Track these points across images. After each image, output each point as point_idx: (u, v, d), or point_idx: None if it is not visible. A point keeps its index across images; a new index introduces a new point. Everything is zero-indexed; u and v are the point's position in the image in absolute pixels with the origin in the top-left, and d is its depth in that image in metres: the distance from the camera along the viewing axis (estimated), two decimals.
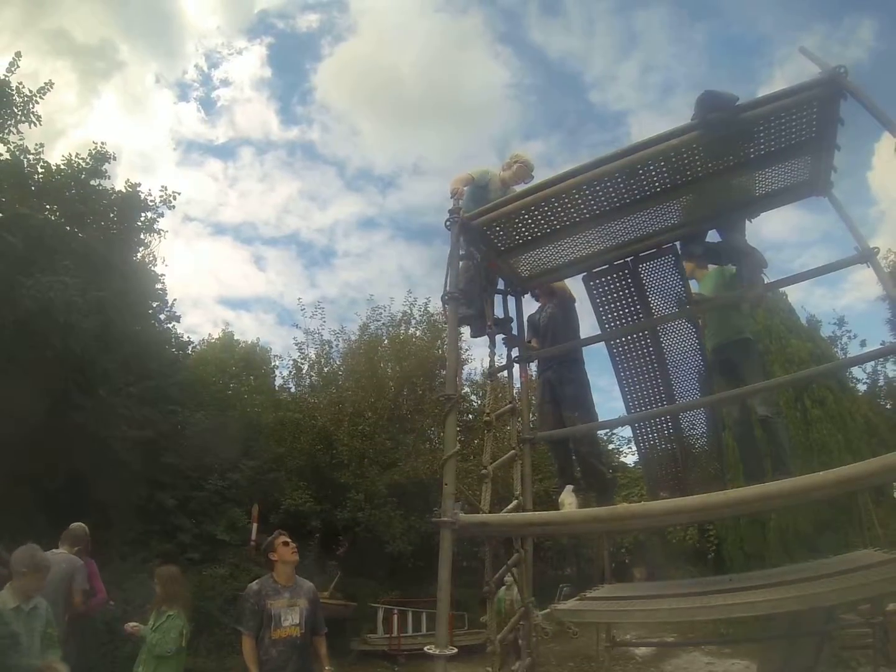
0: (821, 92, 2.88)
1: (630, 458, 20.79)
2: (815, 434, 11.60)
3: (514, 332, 4.27)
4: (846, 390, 13.08)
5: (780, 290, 9.45)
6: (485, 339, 4.27)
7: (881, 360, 15.69)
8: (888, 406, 17.01)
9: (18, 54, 11.37)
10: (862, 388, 16.95)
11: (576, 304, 4.62)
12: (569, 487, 3.75)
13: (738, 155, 3.29)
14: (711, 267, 4.45)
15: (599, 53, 56.76)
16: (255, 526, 13.12)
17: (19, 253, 10.04)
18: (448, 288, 3.23)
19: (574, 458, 4.32)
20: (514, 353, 4.25)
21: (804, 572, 3.13)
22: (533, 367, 4.51)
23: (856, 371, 16.06)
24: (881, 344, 14.25)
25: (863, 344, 17.16)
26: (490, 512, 3.12)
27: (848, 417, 11.98)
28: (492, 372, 3.91)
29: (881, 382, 17.77)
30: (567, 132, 59.93)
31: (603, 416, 4.67)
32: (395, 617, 13.01)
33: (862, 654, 5.25)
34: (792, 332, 12.84)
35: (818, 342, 13.71)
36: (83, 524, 5.14)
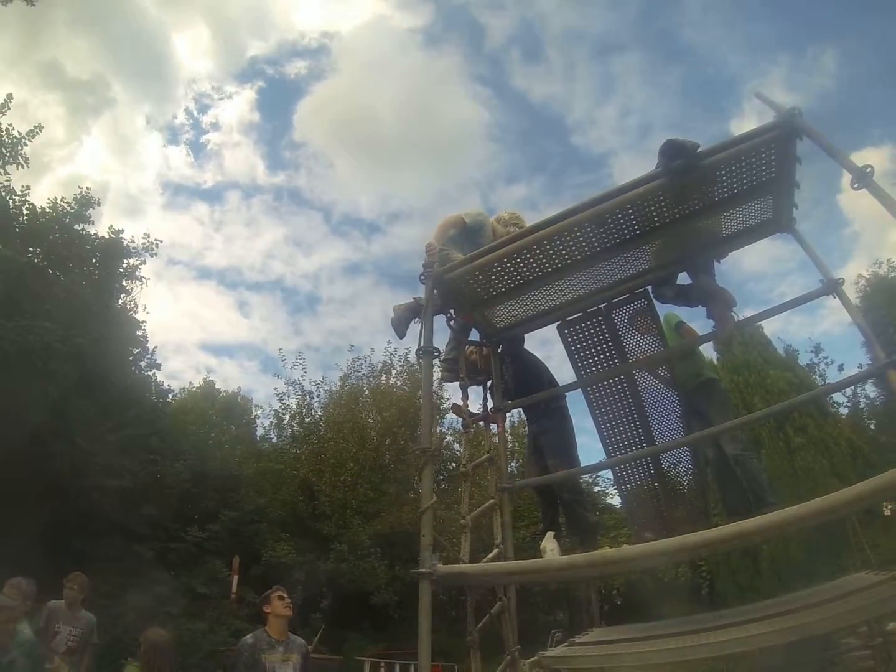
0: (777, 134, 3.01)
1: (616, 499, 20.63)
2: (800, 461, 11.70)
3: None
4: (827, 416, 13.25)
5: (756, 323, 9.64)
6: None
7: (860, 383, 15.95)
8: (872, 427, 17.18)
9: (10, 96, 11.54)
10: (844, 411, 17.18)
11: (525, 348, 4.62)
12: (550, 534, 3.72)
13: (703, 199, 3.42)
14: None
15: (580, 98, 58.98)
16: (235, 578, 12.76)
17: (0, 295, 9.96)
18: (423, 342, 3.24)
19: (558, 504, 4.30)
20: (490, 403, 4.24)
21: (797, 602, 3.11)
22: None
23: (836, 395, 16.30)
24: (858, 367, 14.59)
25: (840, 368, 17.56)
26: (473, 560, 3.09)
27: (831, 442, 12.12)
28: (466, 423, 3.92)
29: (862, 404, 18.02)
30: (550, 175, 61.53)
31: (591, 458, 4.67)
32: (383, 670, 12.54)
33: None
34: (770, 364, 13.08)
35: (796, 371, 13.96)
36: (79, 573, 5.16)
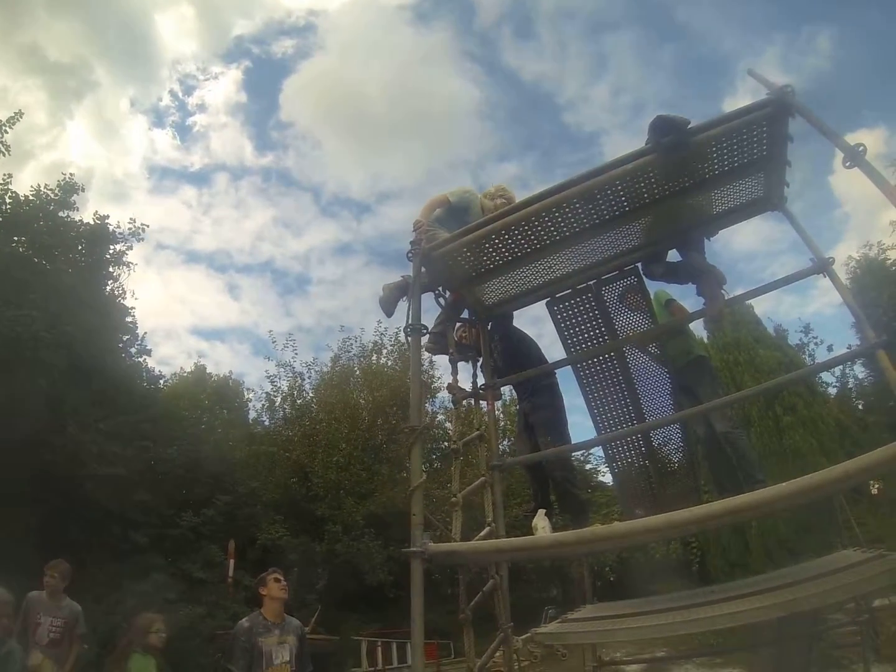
0: (769, 112, 2.98)
1: (608, 476, 20.88)
2: (788, 440, 11.84)
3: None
4: (816, 395, 13.40)
5: (746, 302, 9.68)
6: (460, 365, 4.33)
7: (849, 363, 16.14)
8: (860, 407, 17.40)
9: None
10: (833, 391, 17.40)
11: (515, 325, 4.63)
12: (541, 511, 3.74)
13: (694, 176, 3.39)
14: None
15: (571, 76, 58.49)
16: (231, 562, 12.85)
17: None
18: (410, 319, 3.22)
19: (549, 482, 4.33)
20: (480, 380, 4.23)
21: (785, 578, 3.15)
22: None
23: (825, 375, 16.51)
24: (847, 347, 14.69)
25: (830, 349, 17.75)
26: (465, 539, 3.11)
27: (820, 421, 12.27)
28: (455, 399, 3.92)
29: (851, 384, 18.24)
30: (541, 154, 61.21)
31: (584, 436, 4.69)
32: (379, 649, 12.72)
33: (853, 653, 5.27)
34: (760, 343, 13.17)
35: (786, 350, 14.07)
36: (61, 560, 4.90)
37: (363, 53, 54.54)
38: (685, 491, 4.51)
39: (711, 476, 4.49)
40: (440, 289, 3.89)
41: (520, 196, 4.06)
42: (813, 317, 47.67)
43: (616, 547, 6.47)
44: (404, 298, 3.81)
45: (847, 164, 2.60)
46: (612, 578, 16.81)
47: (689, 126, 3.04)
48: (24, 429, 10.05)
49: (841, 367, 16.92)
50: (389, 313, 4.01)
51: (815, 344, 18.36)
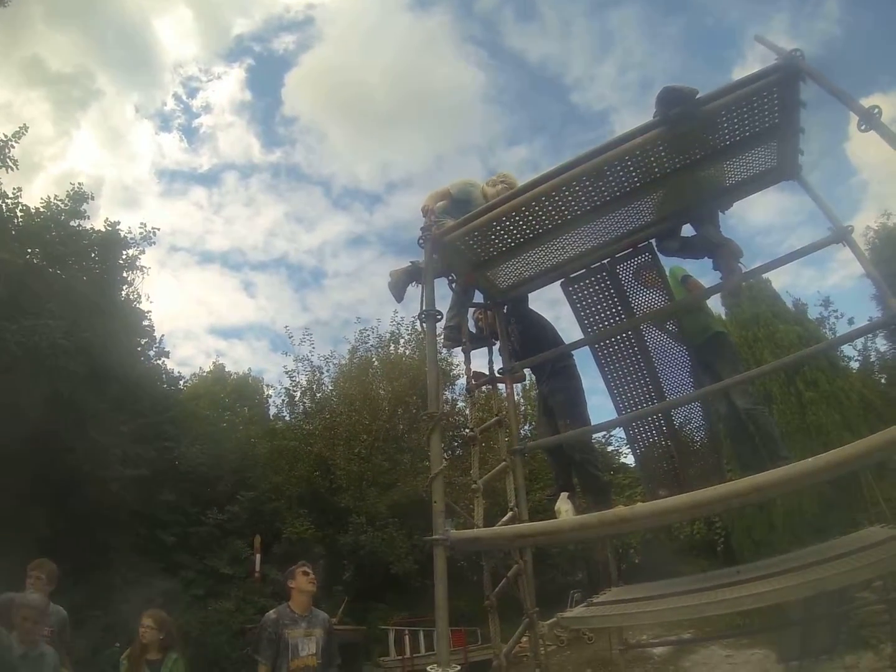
0: (779, 77, 2.89)
1: (630, 458, 20.75)
2: (811, 416, 11.60)
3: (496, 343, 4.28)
4: (838, 370, 13.11)
5: (763, 276, 9.49)
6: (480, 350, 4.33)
7: (870, 335, 15.79)
8: (883, 380, 17.04)
9: None
10: (855, 365, 17.01)
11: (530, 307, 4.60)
12: (564, 495, 3.72)
13: (705, 147, 3.31)
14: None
15: (577, 55, 57.58)
16: (258, 557, 13.03)
17: (2, 298, 10.01)
18: (424, 306, 3.22)
19: (571, 465, 4.30)
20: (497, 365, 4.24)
21: (811, 557, 3.10)
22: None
23: (847, 349, 16.16)
24: (868, 320, 14.37)
25: (850, 322, 17.29)
26: (489, 525, 3.10)
27: (843, 396, 11.98)
28: (470, 387, 3.91)
29: (873, 358, 17.83)
30: (551, 135, 60.45)
31: (605, 417, 4.61)
32: (407, 638, 12.82)
33: (882, 632, 5.21)
34: (778, 318, 12.90)
35: (806, 325, 13.77)
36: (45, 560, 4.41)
37: (363, 43, 54.29)
38: (708, 470, 4.45)
39: (734, 454, 4.42)
40: (452, 275, 3.87)
41: (529, 178, 4.02)
42: (832, 290, 46.88)
43: (640, 528, 6.46)
44: (414, 284, 3.80)
45: (862, 128, 2.54)
46: (636, 560, 16.77)
47: (698, 96, 2.96)
48: (48, 435, 10.25)
49: (863, 339, 16.56)
50: (399, 298, 4.02)
51: (836, 317, 17.86)
